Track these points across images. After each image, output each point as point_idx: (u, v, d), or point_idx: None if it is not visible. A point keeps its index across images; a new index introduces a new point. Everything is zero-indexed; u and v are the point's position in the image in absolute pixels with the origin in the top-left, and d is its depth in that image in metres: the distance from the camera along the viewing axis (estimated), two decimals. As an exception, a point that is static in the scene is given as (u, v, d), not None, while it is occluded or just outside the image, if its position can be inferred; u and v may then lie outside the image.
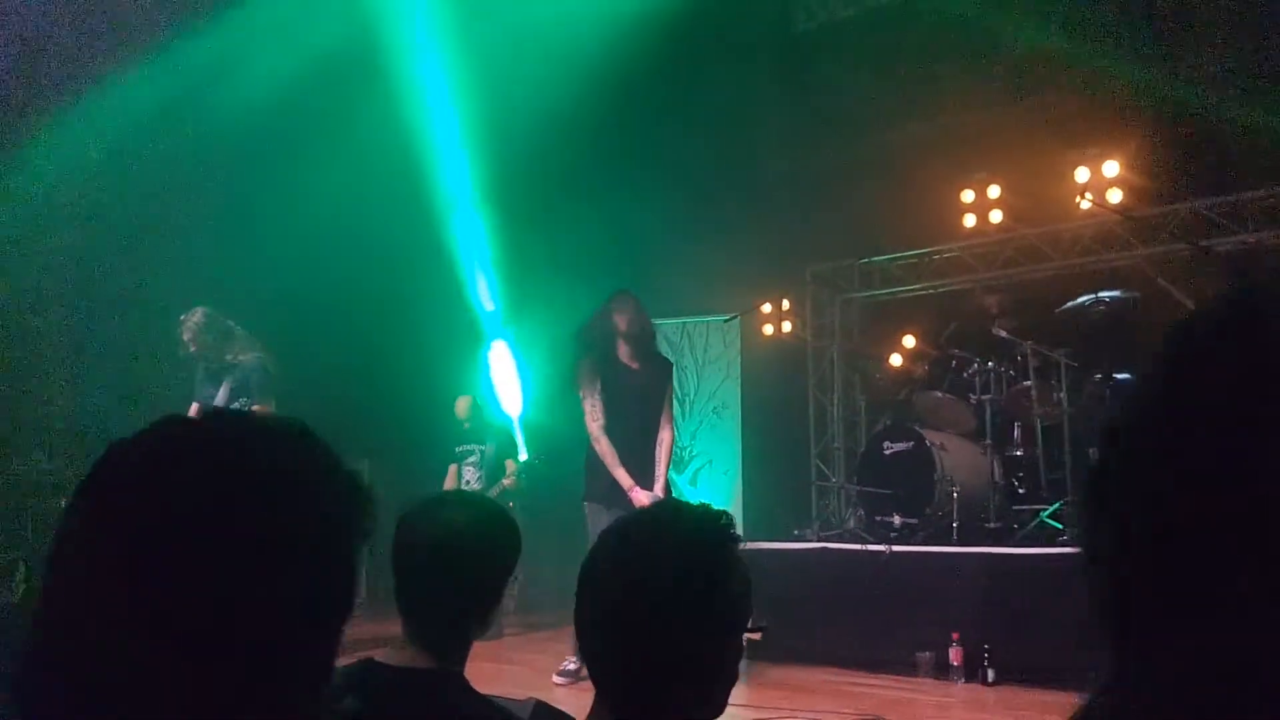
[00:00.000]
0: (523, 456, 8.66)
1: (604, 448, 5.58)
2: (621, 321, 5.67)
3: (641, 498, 5.45)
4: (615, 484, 5.50)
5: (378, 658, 1.89)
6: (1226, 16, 7.07)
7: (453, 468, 8.10)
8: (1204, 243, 6.81)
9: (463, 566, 1.87)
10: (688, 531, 1.50)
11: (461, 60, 8.41)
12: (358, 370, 8.98)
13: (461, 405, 8.11)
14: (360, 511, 0.92)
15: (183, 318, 5.97)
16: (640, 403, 5.67)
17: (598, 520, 5.47)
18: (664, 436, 5.76)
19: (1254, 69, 6.69)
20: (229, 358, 5.98)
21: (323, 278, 8.46)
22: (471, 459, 8.04)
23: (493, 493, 7.76)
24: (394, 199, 8.49)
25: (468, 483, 8.00)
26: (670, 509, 1.60)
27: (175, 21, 7.87)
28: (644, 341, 5.77)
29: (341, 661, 1.95)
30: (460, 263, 9.20)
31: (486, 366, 9.35)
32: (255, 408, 5.68)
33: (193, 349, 5.94)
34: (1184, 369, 0.67)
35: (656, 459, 5.71)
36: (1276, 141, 6.44)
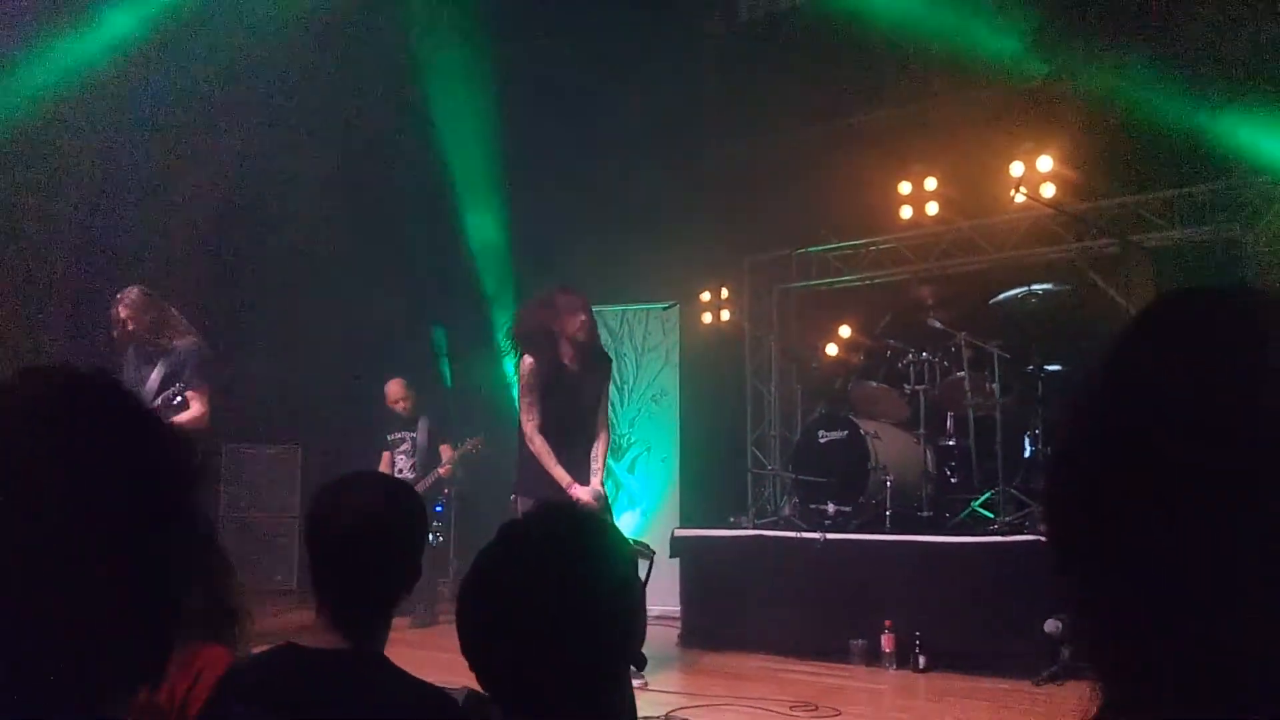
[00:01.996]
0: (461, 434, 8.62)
1: (539, 446, 5.46)
2: (571, 324, 5.49)
3: (582, 494, 5.39)
4: (547, 478, 5.40)
5: (298, 642, 1.86)
6: (1157, 15, 7.20)
7: (385, 455, 7.98)
8: (1133, 237, 6.95)
9: (368, 545, 1.88)
10: (584, 540, 1.47)
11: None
12: (289, 356, 8.82)
13: (393, 388, 7.97)
14: (178, 457, 0.91)
15: (119, 295, 5.75)
16: (579, 407, 5.56)
17: None
18: (601, 437, 5.69)
19: (1184, 67, 6.81)
20: (163, 341, 5.78)
21: (252, 261, 8.30)
22: (404, 446, 7.93)
23: (428, 481, 7.67)
24: (328, 178, 8.34)
25: (400, 470, 7.88)
26: (567, 519, 1.54)
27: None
28: (590, 346, 5.61)
29: (262, 647, 1.91)
30: (397, 243, 9.07)
31: (424, 352, 9.25)
32: (190, 394, 5.54)
33: (130, 327, 5.72)
34: (1138, 357, 0.69)
35: (593, 457, 5.64)
36: (1202, 140, 6.58)
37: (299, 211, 8.24)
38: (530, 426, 5.50)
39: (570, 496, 5.34)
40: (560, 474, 5.42)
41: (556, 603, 1.36)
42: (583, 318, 5.50)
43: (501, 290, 9.22)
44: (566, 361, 5.54)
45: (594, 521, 1.53)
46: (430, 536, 8.78)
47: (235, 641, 2.30)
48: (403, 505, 1.98)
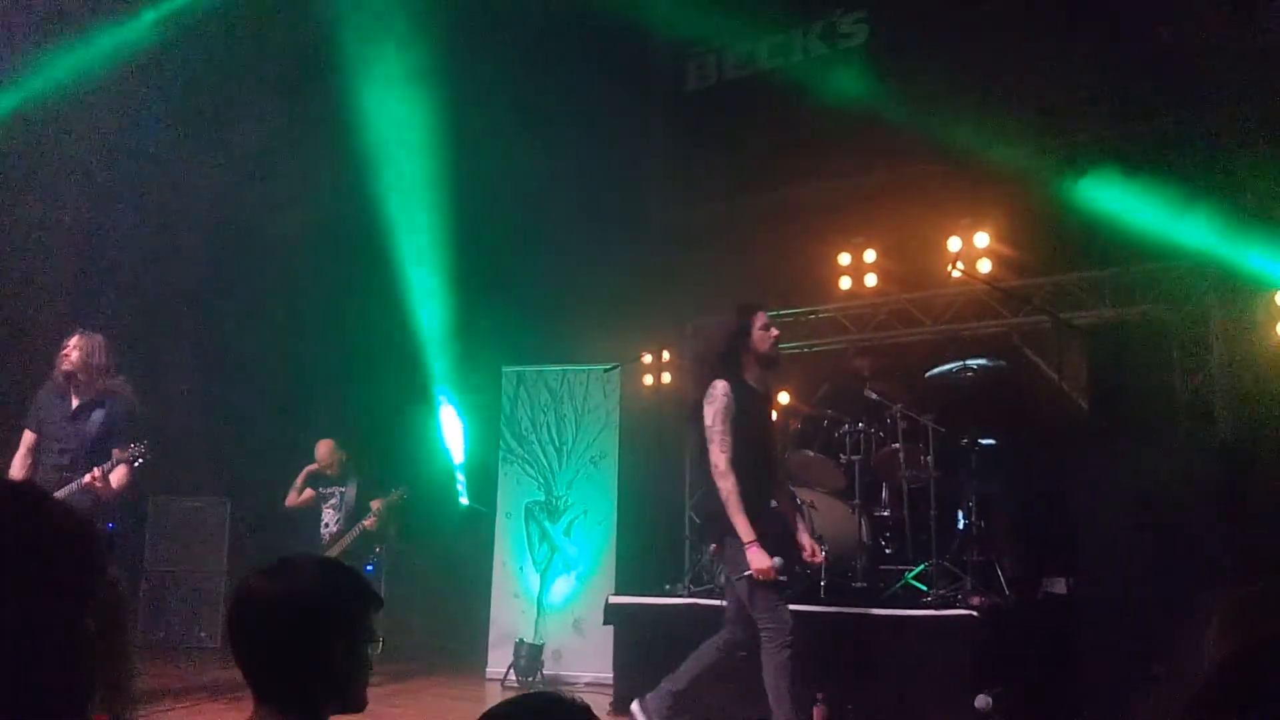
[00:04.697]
0: (464, 501, 8.55)
1: (729, 486, 4.82)
2: (762, 340, 5.03)
3: (759, 562, 4.75)
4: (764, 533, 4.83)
5: None
6: (1091, 103, 7.44)
7: (305, 493, 7.93)
8: (1065, 315, 7.10)
9: (284, 634, 1.79)
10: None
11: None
12: (218, 406, 8.67)
13: (322, 450, 7.92)
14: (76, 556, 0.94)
15: (81, 339, 5.73)
16: (768, 433, 5.11)
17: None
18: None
19: (1115, 153, 7.03)
20: (103, 389, 5.78)
21: (182, 310, 8.18)
22: (332, 500, 7.83)
23: (351, 534, 7.58)
24: (261, 230, 8.29)
25: (327, 524, 7.78)
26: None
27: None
28: (776, 364, 5.17)
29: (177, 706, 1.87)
30: (332, 298, 9.00)
31: (358, 407, 9.15)
32: (117, 452, 5.54)
33: (77, 369, 5.70)
34: None
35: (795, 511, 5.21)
36: (1132, 223, 6.77)
37: (229, 262, 8.17)
38: (723, 460, 4.85)
39: (747, 554, 4.74)
40: (743, 526, 4.78)
41: None
42: (774, 332, 5.08)
43: (442, 346, 9.17)
44: (753, 383, 5.07)
45: None
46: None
47: (120, 709, 2.26)
48: (327, 589, 1.85)
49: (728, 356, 5.02)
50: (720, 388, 4.90)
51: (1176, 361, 7.11)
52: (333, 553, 7.50)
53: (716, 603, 6.69)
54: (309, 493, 7.95)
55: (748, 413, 4.94)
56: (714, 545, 5.27)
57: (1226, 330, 6.94)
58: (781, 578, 4.90)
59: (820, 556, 5.19)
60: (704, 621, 6.60)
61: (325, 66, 8.19)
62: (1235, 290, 6.85)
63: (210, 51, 7.80)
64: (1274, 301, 6.68)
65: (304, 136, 8.39)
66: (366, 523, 7.58)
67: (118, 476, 5.51)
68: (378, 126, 8.27)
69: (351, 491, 7.76)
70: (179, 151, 8.07)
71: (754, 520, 4.81)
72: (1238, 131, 6.74)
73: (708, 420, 4.91)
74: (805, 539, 5.20)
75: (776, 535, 4.94)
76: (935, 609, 5.92)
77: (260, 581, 1.83)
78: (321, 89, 8.33)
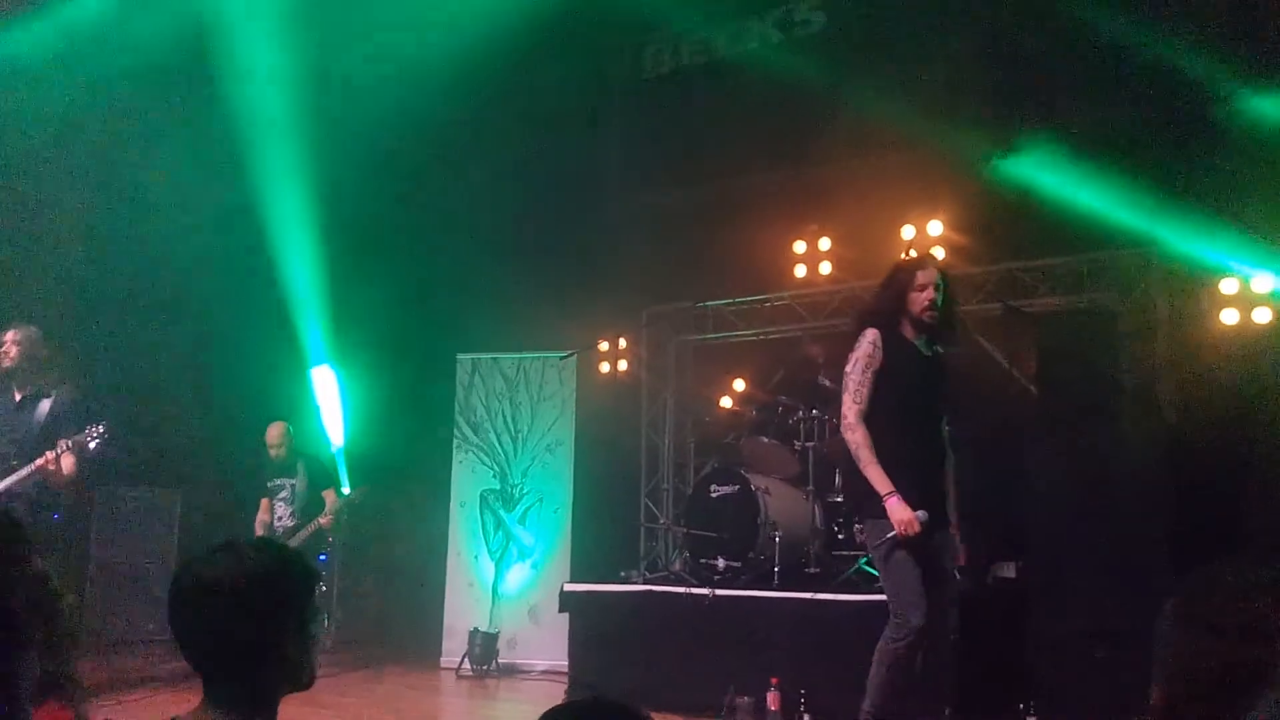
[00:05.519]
0: (345, 490, 8.39)
1: (858, 437, 4.36)
2: (916, 302, 4.51)
3: (900, 513, 4.21)
4: (909, 496, 4.27)
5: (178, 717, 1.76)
6: (1051, 87, 7.51)
7: (265, 502, 7.72)
8: (1015, 303, 7.18)
9: (233, 618, 1.75)
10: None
11: (297, 90, 8.16)
12: (169, 397, 8.55)
13: (273, 433, 7.72)
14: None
15: (17, 333, 5.72)
16: (928, 395, 4.55)
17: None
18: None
19: (1066, 143, 7.10)
20: (44, 383, 5.79)
21: (127, 301, 8.04)
22: (283, 493, 7.67)
23: (309, 529, 7.44)
24: (217, 220, 8.15)
25: (280, 519, 7.62)
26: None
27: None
28: (936, 329, 4.59)
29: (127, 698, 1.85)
30: (284, 288, 8.87)
31: (309, 393, 9.03)
32: (63, 445, 5.51)
33: (14, 363, 5.67)
34: None
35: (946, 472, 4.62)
36: (1081, 212, 6.85)
37: (178, 251, 8.04)
38: (853, 411, 4.42)
39: (885, 507, 4.25)
40: (878, 477, 4.30)
41: None
42: (928, 294, 4.50)
43: (399, 335, 9.09)
44: (916, 342, 4.57)
45: None
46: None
47: (75, 701, 2.24)
48: (268, 571, 1.81)
49: (885, 311, 4.59)
50: (869, 336, 4.51)
51: (1123, 348, 7.22)
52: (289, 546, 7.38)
53: (671, 589, 6.72)
54: (264, 502, 7.76)
55: (902, 369, 4.47)
56: (857, 525, 4.85)
57: (1172, 318, 7.06)
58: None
59: (962, 559, 4.57)
60: (658, 608, 6.63)
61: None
62: (1180, 278, 6.96)
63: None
64: (1218, 289, 6.80)
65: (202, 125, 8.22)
66: (323, 520, 7.45)
67: (68, 463, 5.48)
68: (322, 107, 8.16)
69: (302, 483, 7.63)
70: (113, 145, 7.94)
71: (899, 482, 4.29)
72: (1181, 122, 6.86)
73: (847, 367, 4.55)
74: (953, 527, 4.56)
75: (929, 502, 4.34)
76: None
77: (204, 565, 1.80)
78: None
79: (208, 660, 1.78)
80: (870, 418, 4.40)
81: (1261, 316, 6.69)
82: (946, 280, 4.57)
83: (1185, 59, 6.63)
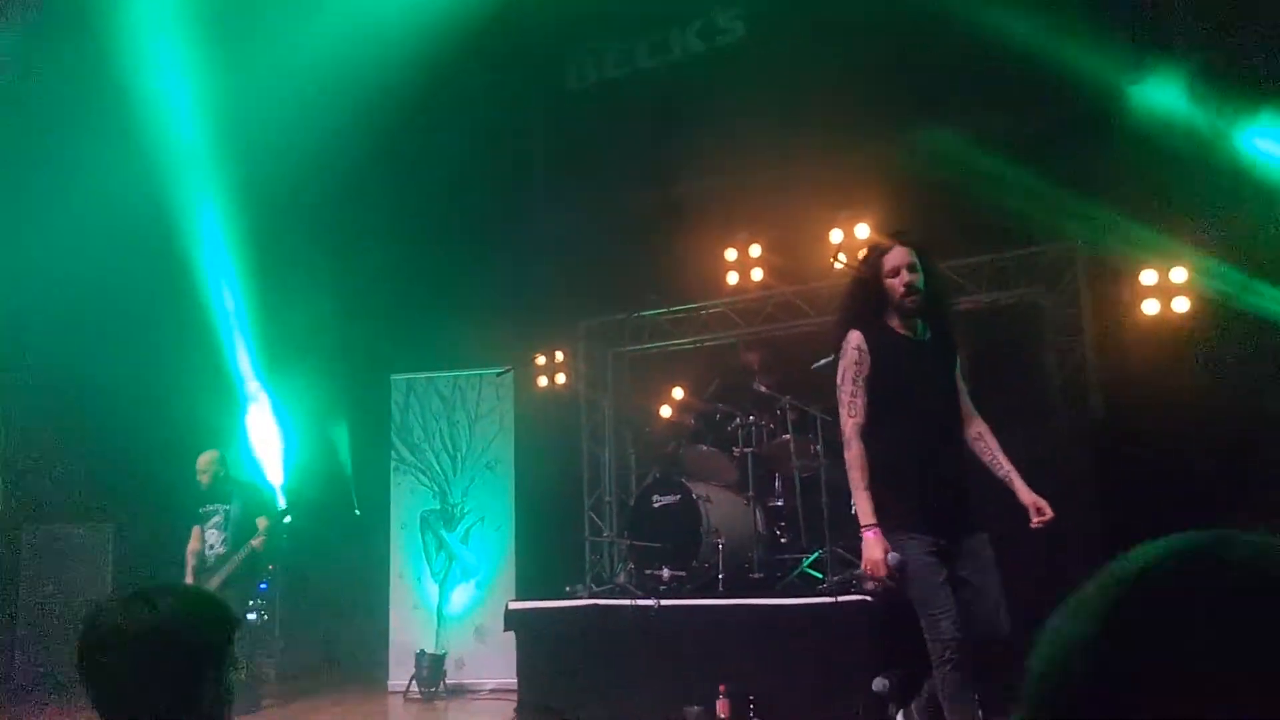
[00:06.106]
0: (281, 504, 8.29)
1: (854, 455, 4.03)
2: (893, 288, 4.12)
3: (874, 552, 3.88)
4: (901, 510, 3.96)
5: None
6: (969, 90, 7.65)
7: (196, 530, 7.58)
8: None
9: (144, 669, 1.72)
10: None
11: (214, 109, 8.04)
12: (98, 427, 8.35)
13: (202, 460, 7.60)
14: None
15: None
16: (931, 387, 4.15)
17: (914, 553, 3.93)
18: (975, 423, 4.26)
19: (990, 140, 7.23)
20: None
21: (57, 330, 7.84)
22: (215, 519, 7.54)
23: (240, 555, 7.33)
24: (138, 246, 7.98)
25: (211, 546, 7.49)
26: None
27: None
28: (921, 312, 4.19)
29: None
30: (211, 313, 8.72)
31: (242, 424, 8.89)
32: None
33: None
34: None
35: (992, 457, 4.20)
36: (1008, 209, 6.98)
37: (109, 283, 7.86)
38: (849, 425, 4.07)
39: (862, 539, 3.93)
40: (862, 506, 3.97)
41: None
42: (904, 277, 4.10)
43: (331, 359, 8.97)
44: (903, 330, 4.18)
45: None
46: (253, 615, 8.38)
47: None
48: (177, 620, 1.77)
49: (864, 309, 4.19)
50: (852, 341, 4.12)
51: (1050, 343, 7.37)
52: (221, 573, 7.25)
53: (616, 602, 6.71)
54: (196, 530, 7.61)
55: (895, 368, 4.09)
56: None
57: (1096, 310, 7.22)
58: (935, 568, 3.94)
59: (1049, 514, 4.04)
60: (605, 622, 6.62)
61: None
62: (1103, 270, 7.12)
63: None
64: (1138, 280, 6.97)
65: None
66: (255, 542, 7.33)
67: None
68: (251, 131, 8.04)
69: (236, 510, 7.50)
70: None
71: (904, 493, 3.97)
72: (1084, 119, 7.03)
73: (837, 380, 4.17)
74: (1026, 495, 4.10)
75: (945, 507, 4.00)
76: (831, 595, 6.02)
77: (116, 615, 1.75)
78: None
79: (119, 713, 1.74)
80: (872, 429, 4.07)
81: (1180, 306, 6.88)
82: (923, 253, 4.20)
83: (1083, 56, 6.80)
